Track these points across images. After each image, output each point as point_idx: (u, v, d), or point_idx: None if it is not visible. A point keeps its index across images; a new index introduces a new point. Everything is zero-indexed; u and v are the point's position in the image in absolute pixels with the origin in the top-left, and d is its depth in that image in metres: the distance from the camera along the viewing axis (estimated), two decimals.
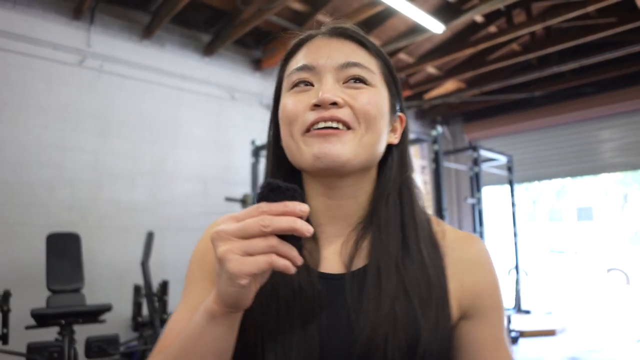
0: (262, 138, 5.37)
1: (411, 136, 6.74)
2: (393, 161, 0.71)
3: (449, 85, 7.05)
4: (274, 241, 0.47)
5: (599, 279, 11.44)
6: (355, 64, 0.67)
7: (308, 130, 0.64)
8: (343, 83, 0.66)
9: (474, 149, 5.91)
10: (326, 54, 0.67)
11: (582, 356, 4.40)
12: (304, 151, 0.64)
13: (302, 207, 0.48)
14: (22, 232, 3.99)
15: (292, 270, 0.48)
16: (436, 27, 4.76)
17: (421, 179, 7.85)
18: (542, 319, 5.97)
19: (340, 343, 0.61)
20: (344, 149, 0.62)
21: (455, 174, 8.40)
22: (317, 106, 0.63)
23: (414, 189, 0.72)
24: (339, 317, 0.62)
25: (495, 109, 7.80)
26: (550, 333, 5.30)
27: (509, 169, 6.63)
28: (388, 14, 5.00)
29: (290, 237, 0.48)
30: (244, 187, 5.39)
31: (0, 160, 3.94)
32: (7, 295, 2.90)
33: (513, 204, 6.56)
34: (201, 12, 5.05)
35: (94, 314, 3.19)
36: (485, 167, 6.56)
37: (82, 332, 3.51)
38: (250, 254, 0.47)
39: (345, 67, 0.66)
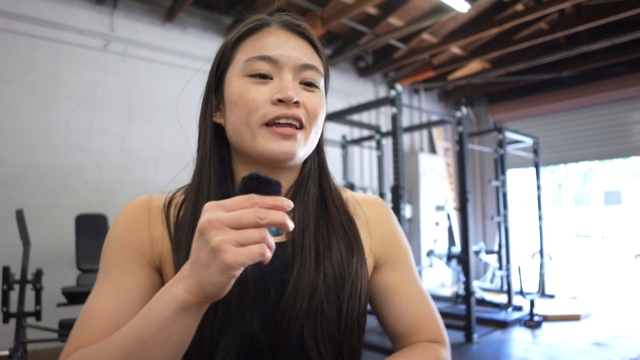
0: None
1: (434, 117, 6.68)
2: (314, 150, 0.78)
3: (474, 66, 6.92)
4: (266, 232, 0.48)
5: (626, 264, 11.23)
6: (312, 67, 0.71)
7: (268, 123, 0.67)
8: (299, 82, 0.71)
9: (499, 130, 5.81)
10: (288, 50, 0.70)
11: (607, 342, 4.34)
12: (259, 142, 0.67)
13: (289, 203, 0.50)
14: (53, 213, 4.10)
15: (268, 260, 0.49)
16: (461, 5, 4.66)
17: (444, 161, 7.77)
18: (566, 304, 5.90)
19: (272, 310, 0.66)
20: (298, 147, 0.68)
21: (480, 156, 8.29)
22: (280, 101, 0.67)
23: (328, 168, 0.80)
24: (270, 280, 0.67)
25: (521, 89, 7.64)
26: (575, 318, 5.23)
27: (535, 152, 6.50)
28: None
29: (271, 230, 0.50)
30: None
31: (30, 145, 4.04)
32: (39, 274, 3.00)
33: (538, 187, 6.45)
34: None
35: None
36: (510, 149, 6.45)
37: None
38: (244, 245, 0.47)
39: (303, 69, 0.70)
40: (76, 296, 3.14)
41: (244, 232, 0.47)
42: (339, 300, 0.68)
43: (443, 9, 4.91)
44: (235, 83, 0.70)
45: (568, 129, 7.43)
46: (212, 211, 0.49)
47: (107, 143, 4.48)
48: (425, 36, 6.03)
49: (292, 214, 0.72)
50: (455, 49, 6.37)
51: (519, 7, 5.45)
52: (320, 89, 0.73)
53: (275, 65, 0.69)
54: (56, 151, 4.19)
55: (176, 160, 4.87)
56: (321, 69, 0.74)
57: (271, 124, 0.67)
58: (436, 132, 7.95)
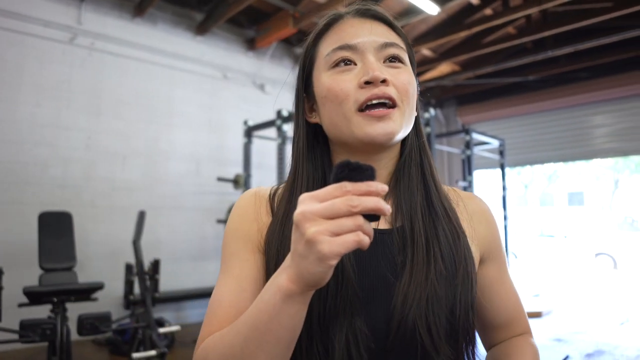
0: (254, 118, 5.35)
1: None
2: (412, 131, 0.78)
3: (444, 68, 7.04)
4: (361, 220, 0.47)
5: (586, 263, 11.62)
6: (392, 44, 0.71)
7: (361, 108, 0.67)
8: (383, 62, 0.70)
9: (467, 132, 5.93)
10: (365, 34, 0.71)
11: (567, 337, 4.50)
12: (356, 128, 0.67)
13: (383, 187, 0.48)
14: (16, 210, 3.99)
15: (367, 246, 0.49)
16: (431, 8, 4.73)
17: None
18: (529, 302, 6.08)
19: (387, 292, 0.67)
20: (395, 126, 0.68)
21: (448, 157, 8.43)
22: (367, 84, 0.67)
23: (430, 153, 0.80)
24: (385, 267, 0.68)
25: (489, 92, 7.80)
26: (537, 315, 5.40)
27: (501, 153, 6.67)
28: None
29: (368, 216, 0.49)
30: (236, 167, 5.39)
31: None
32: None
33: (504, 188, 6.61)
34: None
35: (86, 292, 3.21)
36: (477, 150, 6.59)
37: (75, 310, 3.54)
38: (339, 234, 0.47)
39: (384, 47, 0.70)
40: (38, 296, 3.06)
41: (337, 221, 0.47)
42: (452, 287, 0.68)
43: (414, 11, 4.98)
44: (323, 78, 0.71)
45: (533, 131, 7.64)
46: (305, 203, 0.49)
47: (74, 138, 4.38)
48: None
49: (398, 199, 0.73)
50: (425, 51, 6.46)
51: (488, 11, 5.58)
52: (406, 64, 0.73)
53: (356, 52, 0.70)
54: (20, 146, 4.07)
55: (144, 157, 4.80)
56: (403, 45, 0.74)
57: (364, 108, 0.67)
58: None
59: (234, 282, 0.69)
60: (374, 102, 0.67)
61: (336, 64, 0.70)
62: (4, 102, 3.99)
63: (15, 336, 2.95)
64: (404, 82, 0.70)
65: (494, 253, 0.80)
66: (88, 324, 3.12)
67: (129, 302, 3.87)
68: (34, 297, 3.04)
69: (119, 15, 4.75)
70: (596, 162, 19.96)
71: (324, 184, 0.74)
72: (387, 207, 0.48)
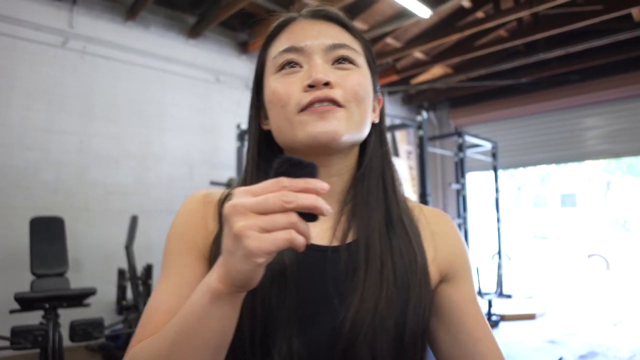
0: (247, 122, 5.34)
1: (397, 121, 6.77)
2: (373, 139, 0.73)
3: (436, 71, 7.07)
4: (295, 217, 0.45)
5: (579, 264, 11.67)
6: (342, 45, 0.68)
7: (303, 110, 0.64)
8: (332, 64, 0.67)
9: (459, 134, 5.95)
10: (313, 35, 0.68)
11: (561, 339, 4.52)
12: (299, 131, 0.64)
13: (322, 185, 0.46)
14: (7, 215, 3.95)
15: (303, 248, 0.46)
16: (423, 11, 4.75)
17: (407, 164, 7.90)
18: (522, 303, 6.10)
19: (330, 315, 0.62)
20: (340, 125, 0.63)
21: (441, 160, 8.46)
22: (310, 87, 0.64)
23: (393, 164, 0.75)
24: (332, 288, 0.63)
25: (481, 95, 7.84)
26: (530, 317, 5.41)
27: (494, 155, 6.69)
28: None
29: (305, 215, 0.46)
30: (229, 171, 5.38)
31: None
32: None
33: (497, 190, 6.64)
34: None
35: (79, 298, 3.18)
36: (470, 153, 6.61)
37: (67, 316, 3.51)
38: (269, 231, 0.45)
39: (333, 49, 0.67)
40: (30, 302, 3.03)
41: (268, 217, 0.45)
42: (403, 313, 0.63)
43: (406, 14, 5.00)
44: (270, 82, 0.69)
45: (526, 133, 7.68)
46: (239, 196, 0.47)
47: (66, 142, 4.35)
48: (389, 41, 6.12)
49: (353, 213, 0.68)
50: (418, 54, 6.49)
51: (480, 14, 5.61)
52: (359, 66, 0.69)
53: (302, 54, 0.67)
54: (11, 150, 4.04)
55: (137, 160, 4.78)
56: (355, 46, 0.70)
57: (305, 109, 0.63)
58: (399, 135, 8.06)
59: (174, 288, 0.65)
60: (316, 105, 0.63)
61: (282, 67, 0.67)
62: None
63: (7, 343, 2.92)
64: (352, 83, 0.66)
65: (458, 273, 0.73)
66: (80, 330, 3.09)
67: (121, 307, 3.85)
68: (25, 303, 3.01)
69: (111, 18, 4.73)
70: (588, 163, 20.10)
71: None
72: (326, 207, 0.45)
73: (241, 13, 5.16)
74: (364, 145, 0.72)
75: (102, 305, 4.24)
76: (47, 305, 3.05)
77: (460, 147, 5.92)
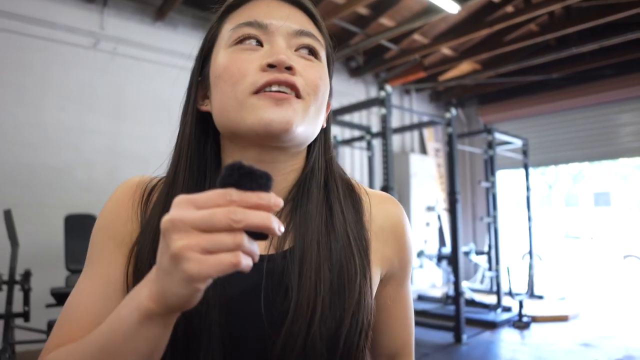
0: None
1: (425, 119, 6.70)
2: (318, 144, 0.69)
3: (464, 67, 6.96)
4: (242, 238, 0.39)
5: (614, 265, 11.34)
6: (309, 34, 0.63)
7: (258, 91, 0.58)
8: (295, 50, 0.62)
9: (489, 131, 5.85)
10: (280, 17, 0.62)
11: (595, 342, 4.39)
12: (249, 114, 0.57)
13: (277, 201, 0.40)
14: (43, 213, 4.07)
15: (249, 270, 0.40)
16: (451, 7, 4.68)
17: (435, 161, 7.81)
18: (555, 305, 5.95)
19: (260, 336, 0.58)
20: (296, 115, 0.58)
21: (470, 157, 8.33)
22: (270, 67, 0.58)
23: (339, 172, 0.71)
24: (264, 304, 0.59)
25: (511, 91, 7.69)
26: (563, 319, 5.28)
27: (524, 153, 6.56)
28: None
29: (254, 233, 0.40)
30: None
31: (20, 143, 4.01)
32: (28, 274, 2.98)
33: (528, 188, 6.50)
34: None
35: None
36: (500, 150, 6.49)
37: None
38: (212, 252, 0.39)
39: (299, 35, 0.62)
40: (65, 297, 3.11)
41: (213, 236, 0.39)
42: (337, 333, 0.58)
43: (434, 9, 4.93)
44: (221, 55, 0.62)
45: (557, 130, 7.49)
46: (179, 208, 0.40)
47: (98, 142, 4.45)
48: (416, 37, 6.06)
49: (292, 218, 0.63)
50: (445, 50, 6.40)
51: (509, 8, 5.49)
52: (322, 61, 0.64)
53: (265, 32, 0.61)
54: (46, 150, 4.15)
55: (167, 159, 4.85)
56: (320, 40, 0.65)
57: (261, 91, 0.57)
58: (427, 132, 7.98)
59: (96, 285, 0.59)
60: (274, 88, 0.57)
61: (239, 41, 0.61)
62: (30, 107, 4.08)
63: (44, 336, 3.01)
64: (314, 76, 0.61)
65: (399, 272, 0.70)
66: None
67: None
68: (61, 297, 3.10)
69: (141, 19, 4.82)
70: (623, 161, 19.48)
71: (205, 185, 0.64)
72: (278, 227, 0.40)
73: None
74: (309, 150, 0.68)
75: None
76: None
77: (490, 145, 5.82)
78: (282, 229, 0.41)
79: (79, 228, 3.72)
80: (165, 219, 0.41)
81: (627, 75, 6.49)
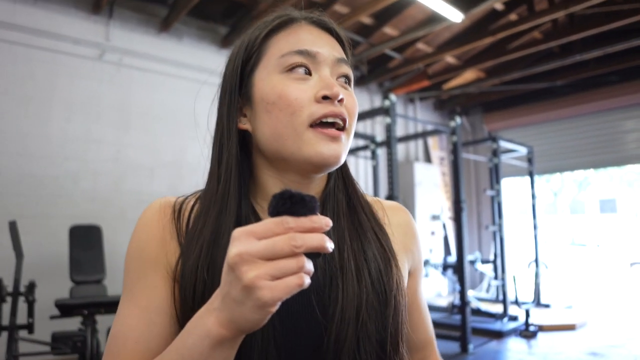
0: None
1: (429, 127, 6.70)
2: None
3: (468, 75, 6.96)
4: (304, 261, 0.43)
5: (621, 273, 11.24)
6: (346, 62, 0.68)
7: (314, 124, 0.62)
8: (336, 79, 0.67)
9: (494, 139, 5.83)
10: (324, 45, 0.66)
11: (603, 351, 4.34)
12: (305, 146, 0.62)
13: (327, 222, 0.45)
14: (47, 223, 4.08)
15: (307, 286, 0.45)
16: (455, 15, 4.69)
17: (439, 170, 7.79)
18: (562, 313, 5.89)
19: (313, 328, 0.61)
20: (342, 149, 0.64)
21: (475, 165, 8.31)
22: (324, 98, 0.62)
23: (351, 175, 0.76)
24: (312, 302, 0.62)
25: (515, 99, 7.68)
26: (570, 327, 5.22)
27: (529, 160, 6.54)
28: (406, 3, 4.95)
29: (310, 254, 0.45)
30: None
31: (26, 154, 4.03)
32: (32, 285, 2.98)
33: (533, 196, 6.47)
34: (218, 4, 5.06)
35: (116, 305, 3.23)
36: (505, 158, 6.47)
37: (104, 322, 3.58)
38: (279, 277, 0.43)
39: (339, 64, 0.67)
40: (69, 308, 3.11)
41: (279, 263, 0.43)
42: (384, 319, 0.63)
43: (437, 19, 4.94)
44: (274, 81, 0.64)
45: (562, 137, 7.47)
46: (242, 241, 0.44)
47: (103, 152, 4.47)
48: (420, 46, 6.07)
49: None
50: (449, 59, 6.40)
51: (513, 16, 5.50)
52: (352, 86, 0.70)
53: (313, 61, 0.64)
54: (52, 160, 4.17)
55: (172, 170, 4.86)
56: (350, 67, 0.71)
57: (316, 124, 0.62)
58: (431, 141, 7.97)
59: (142, 314, 0.61)
60: (329, 120, 0.62)
61: (291, 69, 0.64)
62: (36, 118, 4.11)
63: (47, 348, 3.00)
64: (353, 105, 0.66)
65: (416, 267, 0.77)
66: None
67: None
68: (65, 309, 3.09)
69: (146, 30, 4.85)
70: (629, 168, 19.40)
71: (253, 203, 0.69)
72: (331, 245, 0.44)
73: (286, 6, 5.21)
74: None
75: None
76: (85, 312, 3.12)
77: (495, 153, 5.80)
78: (333, 246, 0.45)
79: (83, 239, 3.72)
80: (233, 253, 0.44)
81: (631, 81, 6.48)
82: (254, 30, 0.69)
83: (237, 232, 0.45)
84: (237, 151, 0.67)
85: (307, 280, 0.44)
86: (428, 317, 0.79)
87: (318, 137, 0.62)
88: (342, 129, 0.64)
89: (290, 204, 0.44)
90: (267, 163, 0.68)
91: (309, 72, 0.64)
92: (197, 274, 0.60)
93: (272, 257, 0.43)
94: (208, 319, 0.48)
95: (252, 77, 0.67)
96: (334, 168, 0.65)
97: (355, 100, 0.68)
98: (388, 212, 0.76)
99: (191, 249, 0.62)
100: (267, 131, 0.64)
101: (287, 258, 0.43)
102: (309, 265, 0.44)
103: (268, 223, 0.44)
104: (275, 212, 0.45)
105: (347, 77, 0.68)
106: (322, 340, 0.60)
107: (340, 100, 0.63)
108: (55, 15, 4.29)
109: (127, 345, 0.60)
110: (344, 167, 0.74)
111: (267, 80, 0.64)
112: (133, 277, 0.64)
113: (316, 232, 0.44)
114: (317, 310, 0.61)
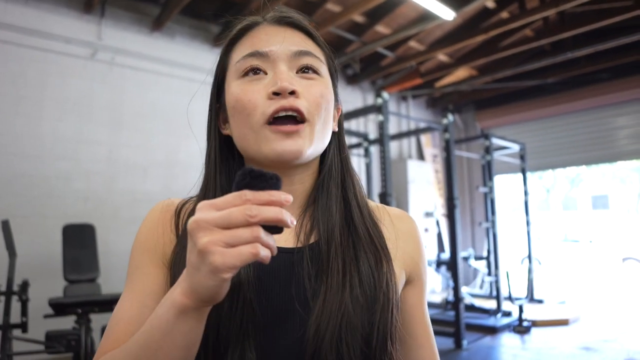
0: None
1: (422, 125, 6.71)
2: (333, 146, 0.74)
3: (461, 73, 6.99)
4: (259, 231, 0.45)
5: (614, 268, 11.33)
6: (307, 53, 0.68)
7: (269, 121, 0.63)
8: (296, 72, 0.67)
9: (486, 137, 5.87)
10: (278, 41, 0.67)
11: (596, 346, 4.38)
12: (262, 144, 0.64)
13: (286, 197, 0.46)
14: (40, 223, 4.06)
15: (268, 261, 0.46)
16: (446, 13, 4.71)
17: (432, 167, 7.82)
18: (555, 309, 5.94)
19: (295, 321, 0.62)
20: (304, 142, 0.64)
21: (467, 163, 8.35)
22: (275, 94, 0.63)
23: (352, 169, 0.76)
24: (293, 295, 0.63)
25: (507, 96, 7.72)
26: (564, 322, 5.27)
27: (522, 157, 6.58)
28: (398, 1, 4.97)
29: (270, 227, 0.46)
30: None
31: (17, 154, 4.01)
32: (25, 285, 2.97)
33: (526, 193, 6.51)
34: (211, 3, 5.05)
35: (110, 303, 3.24)
36: (497, 155, 6.51)
37: (98, 321, 3.58)
38: (234, 245, 0.45)
39: (298, 56, 0.67)
40: (63, 307, 3.10)
41: (233, 231, 0.45)
42: (370, 314, 0.63)
43: (429, 17, 4.96)
44: (232, 87, 0.67)
45: (554, 134, 7.52)
46: (202, 211, 0.47)
47: (95, 152, 4.45)
48: (412, 44, 6.09)
49: (315, 218, 0.69)
50: (442, 57, 6.43)
51: (504, 14, 5.53)
52: (323, 75, 0.69)
53: (267, 60, 0.66)
54: (44, 160, 4.15)
55: (165, 169, 4.85)
56: (319, 55, 0.70)
57: (272, 121, 0.63)
58: (424, 139, 8.00)
59: (136, 297, 0.65)
60: (282, 114, 0.63)
61: (246, 73, 0.66)
62: (28, 118, 4.09)
63: (41, 347, 2.99)
64: (315, 94, 0.66)
65: (417, 277, 0.75)
66: None
67: None
68: (59, 308, 3.08)
69: (138, 30, 4.84)
70: (620, 164, 19.53)
71: None
72: (290, 219, 0.46)
73: (251, 14, 5.22)
74: (324, 152, 0.73)
75: None
76: (79, 310, 3.12)
77: (487, 150, 5.83)
78: (294, 221, 0.47)
79: (76, 238, 3.71)
80: (191, 220, 0.47)
81: (622, 78, 6.53)
82: (224, 42, 0.73)
83: (201, 203, 0.48)
84: (217, 156, 0.72)
85: (264, 252, 0.45)
86: (431, 335, 0.76)
87: (273, 135, 0.63)
88: (301, 121, 0.64)
89: (249, 179, 0.46)
90: (250, 163, 0.70)
91: (264, 72, 0.66)
92: (183, 264, 0.62)
93: (228, 226, 0.45)
94: (175, 290, 0.51)
95: (223, 86, 0.71)
96: (300, 161, 0.65)
97: (322, 87, 0.67)
98: (394, 220, 0.77)
99: (182, 244, 0.67)
100: (235, 134, 0.68)
101: (242, 228, 0.45)
102: (268, 238, 0.46)
103: (228, 196, 0.46)
104: (236, 187, 0.47)
105: (309, 67, 0.67)
106: (304, 332, 0.61)
107: (294, 93, 0.63)
108: (47, 14, 4.27)
109: (120, 324, 0.63)
110: (343, 158, 0.75)
111: (229, 87, 0.68)
112: (132, 266, 0.70)
113: (274, 205, 0.45)
114: (296, 301, 0.62)
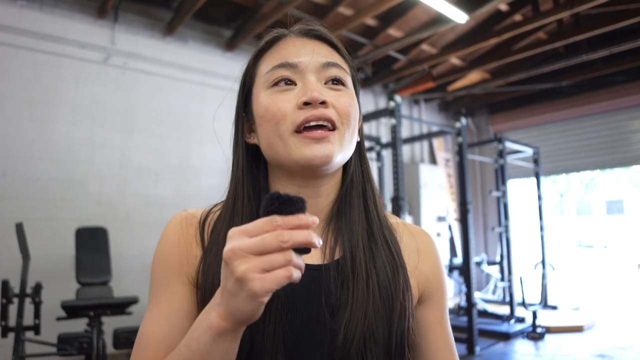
0: None
1: (434, 128, 6.68)
2: (354, 157, 0.75)
3: (473, 76, 6.94)
4: (291, 255, 0.47)
5: (629, 274, 11.16)
6: (335, 64, 0.70)
7: (298, 129, 0.65)
8: (324, 83, 0.69)
9: (499, 140, 5.81)
10: (306, 53, 0.69)
11: (611, 353, 4.30)
12: (292, 150, 0.65)
13: (313, 219, 0.48)
14: (54, 226, 4.10)
15: (299, 280, 0.48)
16: (459, 16, 4.68)
17: (445, 171, 7.77)
18: (569, 315, 5.85)
19: (323, 332, 0.64)
20: (334, 148, 0.65)
21: (480, 167, 8.28)
22: (306, 104, 0.65)
23: (373, 179, 0.78)
24: (322, 306, 0.65)
25: (521, 99, 7.65)
26: (578, 329, 5.19)
27: (535, 161, 6.51)
28: (410, 4, 4.95)
29: (299, 249, 0.48)
30: None
31: (31, 157, 4.05)
32: (38, 287, 2.99)
33: (539, 197, 6.44)
34: (222, 7, 5.08)
35: (122, 306, 3.25)
36: (510, 159, 6.45)
37: (110, 324, 3.60)
38: (269, 271, 0.47)
39: (326, 67, 0.69)
40: (75, 310, 3.12)
41: (267, 257, 0.47)
42: (389, 323, 0.65)
43: (442, 20, 4.94)
44: (261, 97, 0.69)
45: (568, 138, 7.43)
46: (235, 239, 0.49)
47: (108, 156, 4.49)
48: (425, 47, 6.06)
49: (339, 229, 0.71)
50: (454, 60, 6.39)
51: (518, 17, 5.48)
52: (348, 86, 0.71)
53: (296, 71, 0.68)
54: (57, 164, 4.19)
55: (176, 173, 4.87)
56: (345, 67, 0.72)
57: (301, 129, 0.65)
58: (437, 142, 7.95)
59: (163, 317, 0.67)
60: (312, 124, 0.65)
61: (275, 83, 0.68)
62: (42, 122, 4.13)
63: (54, 349, 3.01)
64: (344, 104, 0.68)
65: (436, 295, 0.76)
66: (123, 338, 3.16)
67: None
68: (71, 310, 3.10)
69: (151, 34, 4.87)
70: (636, 168, 19.26)
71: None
72: (318, 241, 0.48)
73: (277, 25, 5.22)
74: (346, 163, 0.74)
75: (144, 314, 4.32)
76: (91, 313, 3.13)
77: (501, 154, 5.78)
78: (321, 242, 0.49)
79: (89, 241, 3.73)
80: (226, 249, 0.49)
81: (638, 81, 6.44)
82: (252, 53, 0.75)
83: (232, 231, 0.50)
84: (244, 164, 0.74)
85: (296, 274, 0.47)
86: (455, 354, 0.76)
87: (303, 141, 0.65)
88: (331, 129, 0.66)
89: (278, 204, 0.48)
90: (276, 171, 0.72)
91: (294, 82, 0.68)
92: (213, 277, 0.66)
93: (262, 252, 0.47)
94: (210, 313, 0.53)
95: (250, 96, 0.73)
96: (328, 168, 0.67)
97: (350, 98, 0.69)
98: (414, 234, 0.78)
99: (209, 254, 0.69)
100: (263, 142, 0.70)
101: (275, 253, 0.47)
102: (298, 260, 0.48)
103: (259, 222, 0.48)
104: (265, 212, 0.49)
105: (337, 79, 0.69)
106: (332, 341, 0.63)
107: (324, 103, 0.65)
108: (61, 19, 4.32)
109: (150, 344, 0.65)
110: (365, 168, 0.76)
111: (258, 96, 0.70)
112: (157, 284, 0.71)
113: (302, 228, 0.47)
114: (325, 312, 0.64)
